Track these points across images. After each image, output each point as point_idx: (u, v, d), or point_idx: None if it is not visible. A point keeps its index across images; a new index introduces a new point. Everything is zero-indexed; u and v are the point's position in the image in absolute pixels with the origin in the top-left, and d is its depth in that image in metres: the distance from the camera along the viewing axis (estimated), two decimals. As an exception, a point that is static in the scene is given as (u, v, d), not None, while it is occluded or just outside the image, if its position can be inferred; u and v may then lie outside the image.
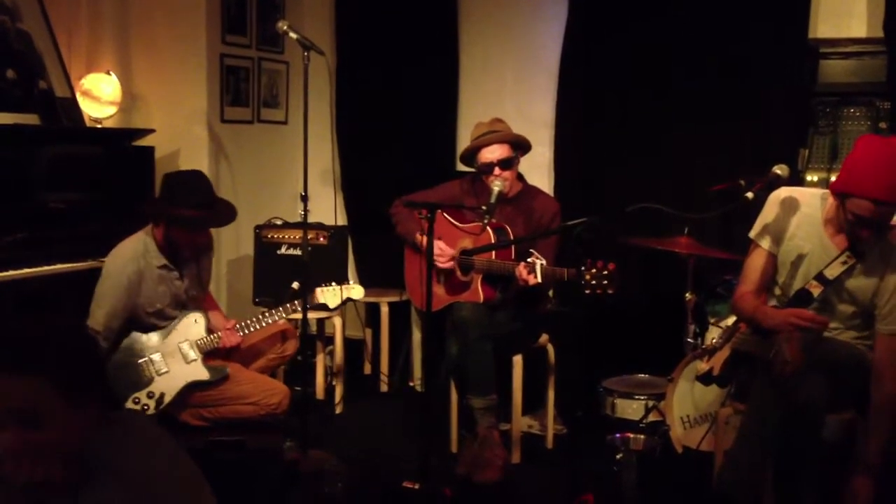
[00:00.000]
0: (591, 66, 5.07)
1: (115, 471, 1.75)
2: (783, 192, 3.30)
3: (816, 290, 3.18)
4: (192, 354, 3.78)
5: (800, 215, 3.27)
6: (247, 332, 3.91)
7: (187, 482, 1.85)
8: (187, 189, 3.70)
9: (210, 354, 3.83)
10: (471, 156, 4.24)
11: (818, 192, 3.35)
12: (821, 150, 4.37)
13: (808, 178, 4.35)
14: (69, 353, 1.75)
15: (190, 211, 3.65)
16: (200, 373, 3.76)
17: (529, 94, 5.36)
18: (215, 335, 3.83)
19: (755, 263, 3.35)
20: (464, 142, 4.72)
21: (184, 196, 3.67)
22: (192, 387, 3.74)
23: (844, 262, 3.16)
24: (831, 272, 3.17)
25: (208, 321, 3.90)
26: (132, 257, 3.73)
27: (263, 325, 3.94)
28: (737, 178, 3.30)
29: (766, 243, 3.32)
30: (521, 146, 4.22)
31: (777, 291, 3.36)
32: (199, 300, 4.00)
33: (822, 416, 3.07)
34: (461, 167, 4.69)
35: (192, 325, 3.83)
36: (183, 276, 3.86)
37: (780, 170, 3.25)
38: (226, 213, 3.88)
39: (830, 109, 4.49)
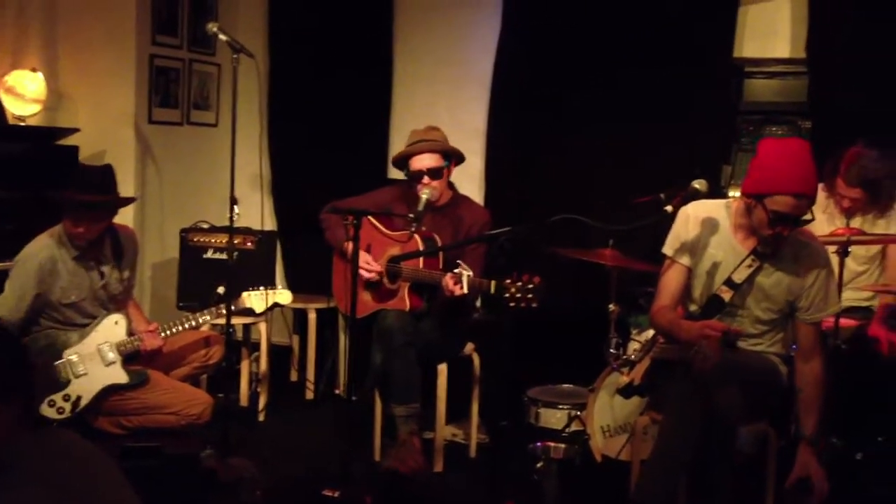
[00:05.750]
0: (523, 78, 5.12)
1: (36, 477, 1.73)
2: (689, 207, 3.36)
3: (727, 295, 3.26)
4: (112, 356, 3.70)
5: (710, 226, 3.34)
6: (169, 333, 3.84)
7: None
8: (79, 175, 3.70)
9: (131, 359, 3.75)
10: (403, 162, 4.25)
11: (722, 201, 3.43)
12: (744, 167, 4.44)
13: (731, 193, 4.45)
14: None
15: (77, 196, 3.59)
16: (119, 376, 3.68)
17: (462, 103, 5.39)
18: (136, 337, 3.76)
19: (671, 278, 3.40)
20: (396, 148, 4.73)
21: (75, 182, 3.64)
22: (110, 390, 3.66)
23: (750, 266, 3.24)
24: (738, 276, 3.25)
25: (130, 323, 3.82)
26: (46, 245, 3.68)
27: (186, 327, 3.88)
28: (659, 192, 3.34)
29: (681, 258, 3.38)
30: (452, 156, 4.24)
31: (692, 307, 3.42)
32: (121, 302, 3.92)
33: (736, 426, 3.13)
34: (393, 173, 4.68)
35: (113, 327, 3.75)
36: (102, 272, 3.79)
37: (698, 184, 3.31)
38: (112, 203, 3.75)
39: (754, 127, 4.61)
